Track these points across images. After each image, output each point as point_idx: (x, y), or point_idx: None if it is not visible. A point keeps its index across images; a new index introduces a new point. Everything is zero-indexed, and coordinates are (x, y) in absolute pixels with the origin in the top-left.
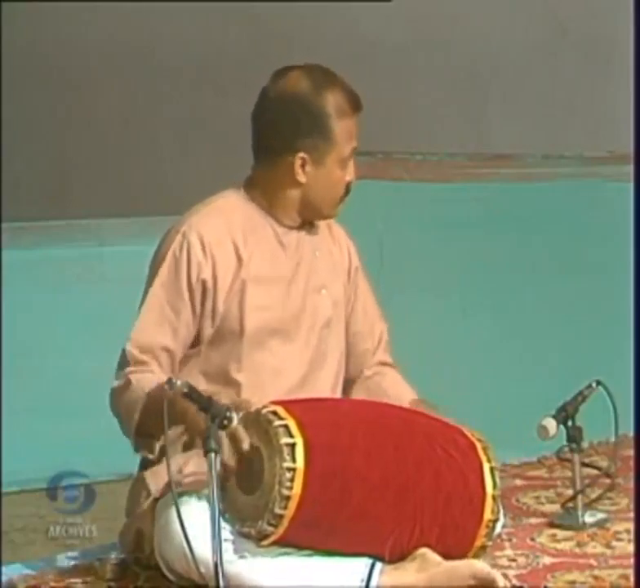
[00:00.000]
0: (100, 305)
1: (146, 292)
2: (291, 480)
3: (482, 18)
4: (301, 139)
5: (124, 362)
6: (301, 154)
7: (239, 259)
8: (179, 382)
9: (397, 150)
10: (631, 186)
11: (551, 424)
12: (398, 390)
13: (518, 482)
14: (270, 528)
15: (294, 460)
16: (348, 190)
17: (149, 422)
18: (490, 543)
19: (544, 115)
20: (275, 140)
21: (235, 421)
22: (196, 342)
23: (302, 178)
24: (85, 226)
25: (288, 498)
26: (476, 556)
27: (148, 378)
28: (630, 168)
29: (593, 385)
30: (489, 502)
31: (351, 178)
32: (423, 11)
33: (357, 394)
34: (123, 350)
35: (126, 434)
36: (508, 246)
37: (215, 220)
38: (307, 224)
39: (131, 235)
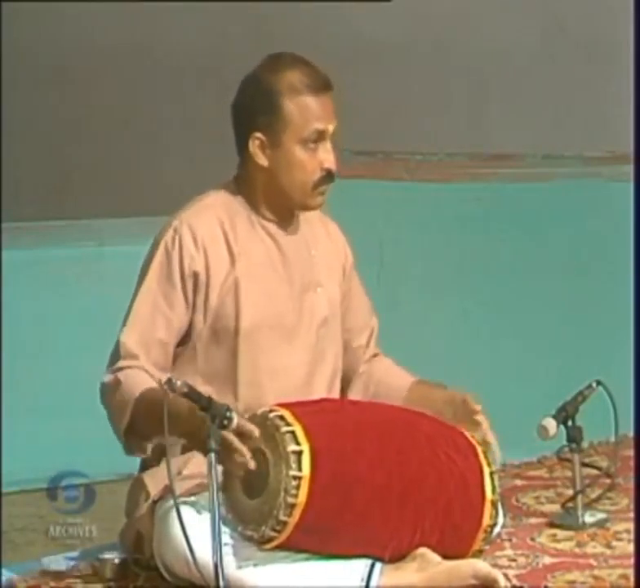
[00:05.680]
0: (100, 305)
1: (138, 285)
2: (297, 488)
3: (482, 18)
4: (255, 118)
5: (116, 354)
6: (257, 134)
7: (231, 254)
8: (178, 382)
9: (397, 150)
10: (631, 186)
11: (551, 424)
12: (395, 378)
13: (518, 482)
14: (274, 534)
15: (300, 468)
16: (328, 178)
17: (140, 424)
18: (487, 547)
19: (544, 115)
20: (236, 124)
21: (235, 421)
22: (187, 338)
23: (262, 160)
24: (85, 226)
25: (293, 506)
26: None
27: (139, 378)
28: (630, 168)
29: (593, 385)
30: (488, 507)
31: (330, 165)
32: (423, 11)
33: (355, 390)
34: (117, 342)
35: (116, 433)
36: (508, 246)
37: (206, 215)
38: (294, 218)
39: (131, 235)
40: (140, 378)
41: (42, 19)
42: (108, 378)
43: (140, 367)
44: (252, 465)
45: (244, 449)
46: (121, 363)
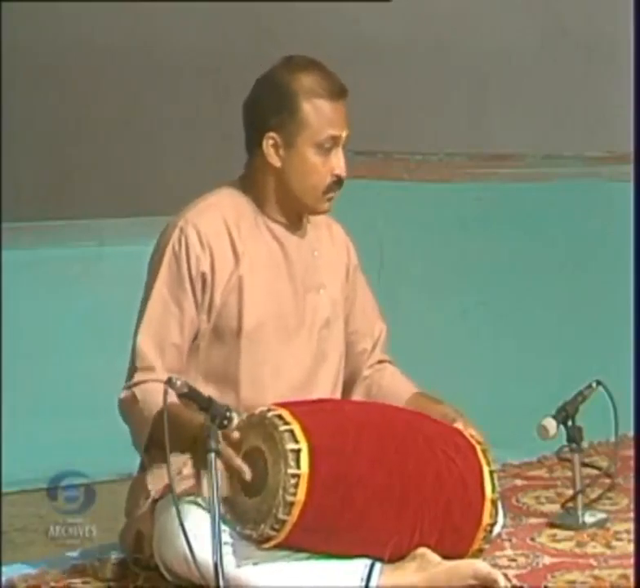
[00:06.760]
0: (100, 305)
1: (148, 290)
2: (296, 486)
3: (482, 18)
4: (269, 118)
5: (133, 364)
6: (271, 134)
7: (236, 253)
8: (179, 382)
9: (397, 150)
10: (631, 186)
11: (551, 424)
12: (398, 387)
13: (518, 482)
14: (273, 533)
15: (298, 466)
16: (338, 185)
17: (157, 443)
18: (487, 546)
19: (544, 115)
20: (249, 123)
21: (235, 421)
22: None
23: (275, 161)
24: (85, 226)
25: (292, 504)
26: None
27: (155, 393)
28: (630, 168)
29: (593, 385)
30: (488, 506)
31: (340, 172)
32: (423, 11)
33: (357, 394)
34: (133, 349)
35: (136, 449)
36: (508, 246)
37: (210, 214)
38: (301, 221)
39: (131, 235)
40: (156, 393)
41: (41, 19)
42: (124, 394)
43: (155, 380)
44: (248, 476)
45: (243, 467)
46: (137, 378)
